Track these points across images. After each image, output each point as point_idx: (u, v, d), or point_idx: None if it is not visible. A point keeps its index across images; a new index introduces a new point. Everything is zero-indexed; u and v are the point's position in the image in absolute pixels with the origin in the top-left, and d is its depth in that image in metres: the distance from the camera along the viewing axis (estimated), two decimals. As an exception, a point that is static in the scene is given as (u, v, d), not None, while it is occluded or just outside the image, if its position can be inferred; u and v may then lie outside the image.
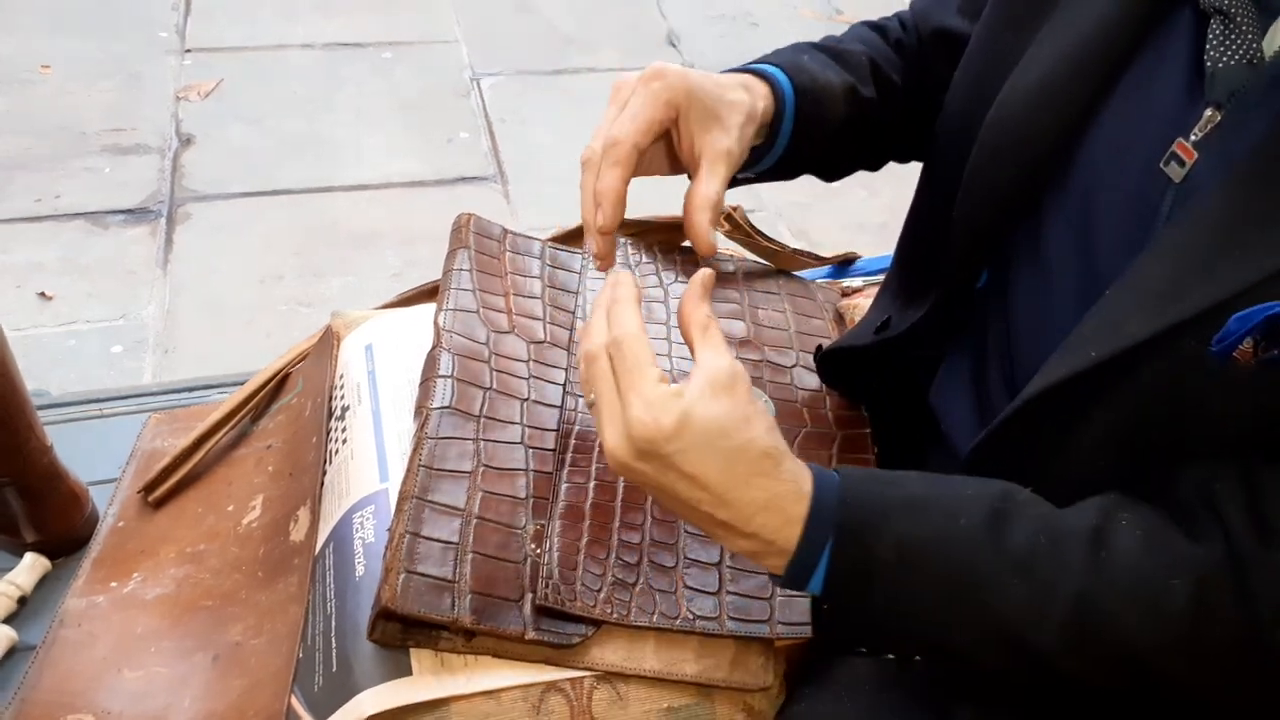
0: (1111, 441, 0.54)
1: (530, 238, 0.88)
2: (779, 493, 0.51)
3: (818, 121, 0.70)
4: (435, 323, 0.75)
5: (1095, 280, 0.57)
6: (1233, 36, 0.51)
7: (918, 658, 0.60)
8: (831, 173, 0.80)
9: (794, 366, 0.82)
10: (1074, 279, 0.59)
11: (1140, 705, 0.54)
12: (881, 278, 0.98)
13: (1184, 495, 0.52)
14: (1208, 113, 0.52)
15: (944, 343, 0.73)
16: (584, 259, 0.88)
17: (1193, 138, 0.52)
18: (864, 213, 2.23)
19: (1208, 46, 0.52)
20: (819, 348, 0.81)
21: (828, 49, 0.75)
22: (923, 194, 0.75)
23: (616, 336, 0.53)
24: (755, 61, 0.72)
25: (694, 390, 0.51)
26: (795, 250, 0.99)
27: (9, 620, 0.79)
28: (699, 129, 0.62)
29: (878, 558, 0.51)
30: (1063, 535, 0.51)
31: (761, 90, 0.67)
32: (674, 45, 2.90)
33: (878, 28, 0.80)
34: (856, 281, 0.99)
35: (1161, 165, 0.54)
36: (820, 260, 1.02)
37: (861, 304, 0.89)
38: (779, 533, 0.52)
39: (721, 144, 0.62)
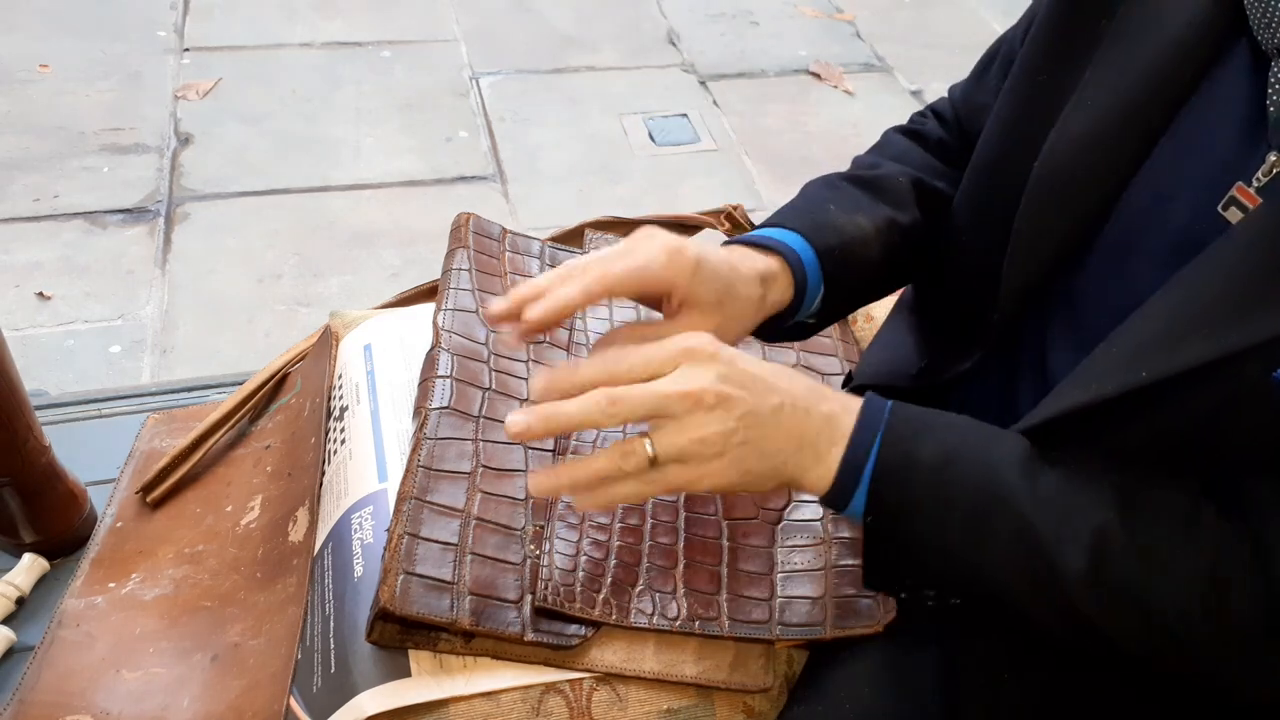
0: (1143, 455, 0.53)
1: (529, 237, 0.88)
2: (830, 393, 0.57)
3: (849, 273, 0.69)
4: (434, 323, 0.75)
5: None
6: None
7: (955, 600, 0.61)
8: (897, 287, 0.80)
9: (794, 366, 0.82)
10: (1118, 321, 0.57)
11: (1162, 687, 0.55)
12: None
13: (1220, 485, 0.52)
14: (1271, 157, 0.50)
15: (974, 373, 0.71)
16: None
17: (1255, 184, 0.51)
18: (863, 212, 2.22)
19: (1269, 90, 0.50)
20: (849, 375, 0.81)
21: (863, 180, 0.73)
22: (955, 238, 0.72)
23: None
24: (778, 217, 0.70)
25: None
26: (795, 250, 0.99)
27: (7, 621, 0.79)
28: (697, 305, 0.61)
29: (919, 460, 0.54)
30: (1094, 476, 0.53)
31: (780, 280, 0.66)
32: (674, 44, 2.90)
33: (912, 133, 0.78)
34: (856, 281, 0.98)
35: (1220, 209, 0.52)
36: (820, 260, 1.01)
37: (861, 304, 0.89)
38: (837, 422, 0.56)
39: (703, 325, 0.61)
